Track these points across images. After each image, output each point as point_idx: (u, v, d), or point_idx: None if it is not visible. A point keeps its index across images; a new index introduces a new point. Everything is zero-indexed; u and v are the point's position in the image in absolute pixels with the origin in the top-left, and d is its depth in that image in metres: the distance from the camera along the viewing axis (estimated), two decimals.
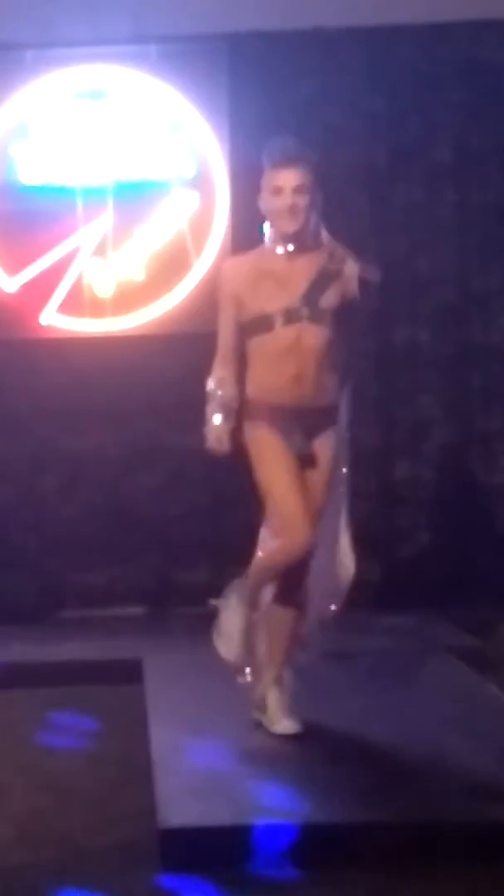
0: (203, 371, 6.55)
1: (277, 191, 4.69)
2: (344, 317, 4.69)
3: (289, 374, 4.66)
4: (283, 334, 4.66)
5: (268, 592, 4.82)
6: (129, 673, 5.55)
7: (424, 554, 6.60)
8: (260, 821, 3.91)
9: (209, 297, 6.53)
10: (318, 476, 4.74)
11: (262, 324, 4.68)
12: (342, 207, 6.37)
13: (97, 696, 5.44)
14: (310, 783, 4.14)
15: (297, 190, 4.66)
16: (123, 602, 6.65)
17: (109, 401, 6.61)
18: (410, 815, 3.96)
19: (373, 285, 4.65)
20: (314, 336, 4.65)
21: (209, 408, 4.79)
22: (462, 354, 6.62)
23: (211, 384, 4.84)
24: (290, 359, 4.65)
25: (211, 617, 4.95)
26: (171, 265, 6.56)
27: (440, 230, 6.57)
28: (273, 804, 4.05)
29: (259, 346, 4.72)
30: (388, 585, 6.44)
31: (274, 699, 4.65)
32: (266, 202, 4.75)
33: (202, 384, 6.60)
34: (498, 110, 6.50)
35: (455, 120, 6.54)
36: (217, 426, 4.76)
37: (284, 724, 4.58)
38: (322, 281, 4.65)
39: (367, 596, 6.42)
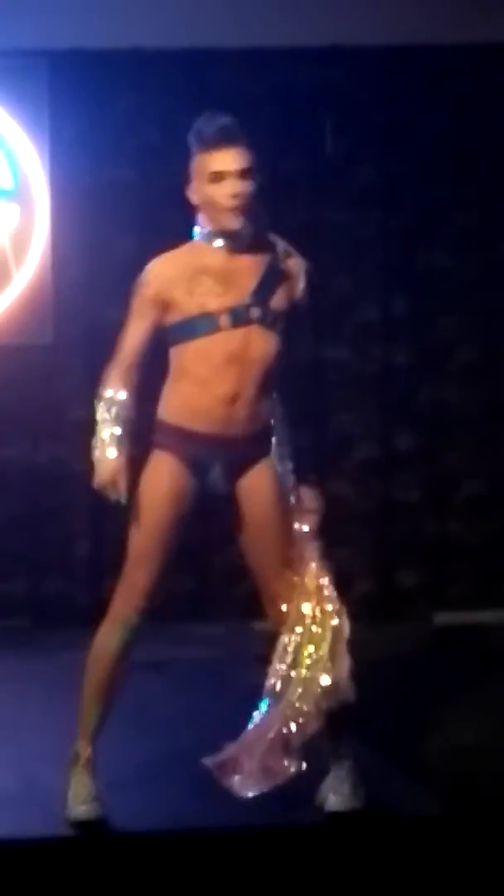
0: (21, 384, 6.63)
1: (216, 177, 3.89)
2: (288, 323, 4.03)
3: (222, 393, 3.94)
4: (227, 338, 3.92)
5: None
6: None
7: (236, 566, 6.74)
8: (74, 832, 3.96)
9: (29, 309, 6.61)
10: (260, 522, 4.02)
11: (200, 325, 3.94)
12: (158, 227, 6.50)
13: None
14: (124, 793, 4.21)
15: (242, 175, 3.88)
16: None
17: None
18: (225, 822, 4.06)
19: (314, 286, 4.08)
20: (264, 342, 3.95)
21: (97, 434, 4.00)
22: None
23: (102, 402, 4.02)
24: (229, 372, 3.93)
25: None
26: None
27: None
28: None
29: (192, 355, 3.97)
30: (201, 596, 6.58)
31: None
32: (200, 192, 3.94)
33: (19, 397, 6.67)
34: (307, 133, 6.69)
35: (267, 142, 6.69)
36: (110, 459, 3.94)
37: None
38: (270, 279, 3.98)
39: (180, 607, 6.56)
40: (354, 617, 6.65)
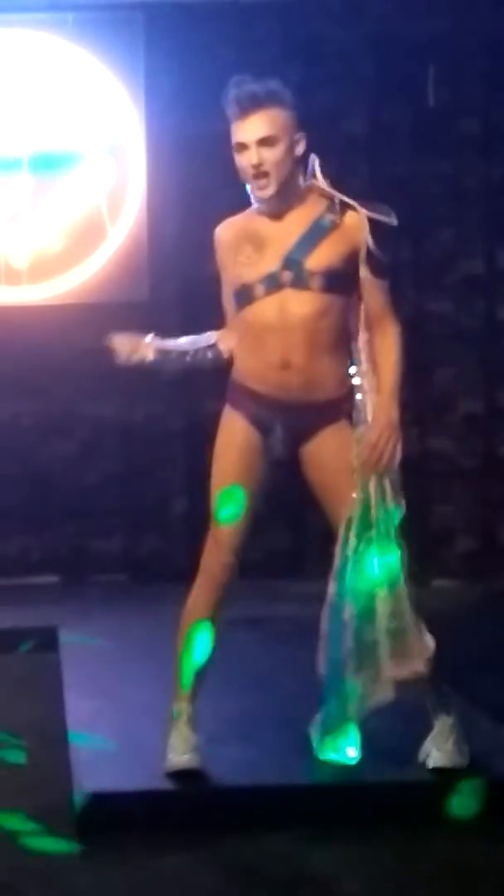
0: None
1: (239, 147, 3.90)
2: (349, 280, 3.92)
3: (272, 360, 3.91)
4: (263, 307, 3.91)
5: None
6: (45, 641, 5.57)
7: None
8: (175, 785, 3.97)
9: (125, 266, 6.59)
10: (330, 489, 3.96)
11: (240, 296, 3.96)
12: None
13: (12, 664, 5.45)
14: (223, 747, 4.19)
15: (263, 143, 3.85)
16: (38, 571, 6.66)
17: (24, 370, 6.60)
18: (326, 777, 4.03)
19: (387, 230, 3.90)
20: (300, 305, 3.87)
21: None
22: None
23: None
24: (273, 339, 3.90)
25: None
26: (88, 235, 6.57)
27: None
28: None
29: (242, 323, 3.99)
30: (298, 554, 6.55)
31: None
32: (236, 161, 3.95)
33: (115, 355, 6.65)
34: (408, 83, 6.58)
35: (366, 93, 6.61)
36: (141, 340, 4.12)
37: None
38: (313, 237, 3.89)
39: (278, 564, 6.54)
40: (455, 574, 6.66)
